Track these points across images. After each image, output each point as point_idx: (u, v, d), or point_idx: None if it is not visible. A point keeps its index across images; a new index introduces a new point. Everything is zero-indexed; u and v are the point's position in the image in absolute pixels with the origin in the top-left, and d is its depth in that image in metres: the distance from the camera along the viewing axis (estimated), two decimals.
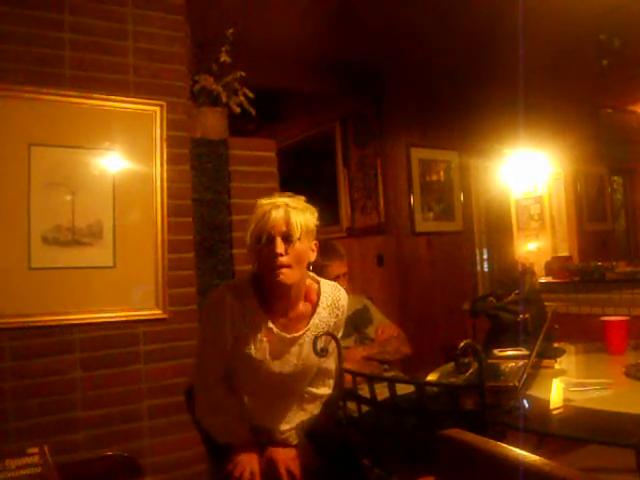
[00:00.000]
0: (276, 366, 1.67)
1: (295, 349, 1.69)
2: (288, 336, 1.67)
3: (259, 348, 1.64)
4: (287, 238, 1.56)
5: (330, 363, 1.81)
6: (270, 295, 1.66)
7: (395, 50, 4.07)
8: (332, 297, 1.74)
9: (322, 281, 1.78)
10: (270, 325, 1.65)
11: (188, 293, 2.57)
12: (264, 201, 1.60)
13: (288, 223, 1.55)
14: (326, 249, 2.74)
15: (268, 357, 1.66)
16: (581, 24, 3.54)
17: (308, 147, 5.30)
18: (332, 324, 1.74)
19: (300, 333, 1.69)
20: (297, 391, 1.79)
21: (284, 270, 1.56)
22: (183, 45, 2.66)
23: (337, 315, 1.74)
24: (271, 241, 1.55)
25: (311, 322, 1.70)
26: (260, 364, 1.65)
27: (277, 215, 1.55)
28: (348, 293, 2.73)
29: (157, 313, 2.49)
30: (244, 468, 1.67)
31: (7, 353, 2.21)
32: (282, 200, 1.59)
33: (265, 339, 1.64)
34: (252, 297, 1.64)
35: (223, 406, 1.70)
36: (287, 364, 1.69)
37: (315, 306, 1.72)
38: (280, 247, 1.55)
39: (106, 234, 2.42)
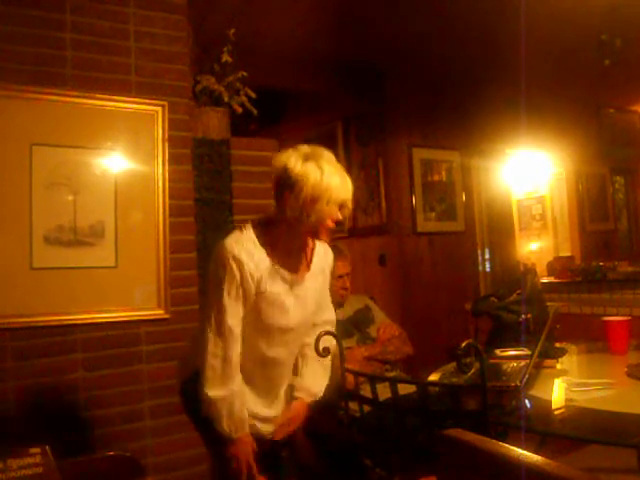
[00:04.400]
0: (290, 306, 1.74)
1: (301, 292, 1.77)
2: (297, 279, 1.76)
3: (274, 289, 1.70)
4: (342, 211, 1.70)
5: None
6: (283, 244, 1.73)
7: (397, 50, 4.07)
8: (323, 247, 1.88)
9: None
10: (281, 270, 1.71)
11: (190, 293, 2.57)
12: (338, 166, 1.70)
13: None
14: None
15: (283, 298, 1.72)
16: (583, 24, 3.54)
17: None
18: (325, 267, 1.88)
19: (305, 276, 1.78)
20: (297, 342, 1.86)
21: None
22: (185, 45, 2.66)
23: (327, 261, 1.89)
24: (342, 207, 1.68)
25: (311, 267, 1.81)
26: (277, 304, 1.71)
27: (352, 190, 1.71)
28: (350, 293, 2.75)
29: (159, 313, 2.49)
30: (240, 461, 1.70)
31: (9, 353, 2.21)
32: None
33: (280, 281, 1.71)
34: (259, 247, 1.69)
35: (234, 372, 1.69)
36: (295, 307, 1.76)
37: (313, 254, 1.84)
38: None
39: (108, 234, 2.42)
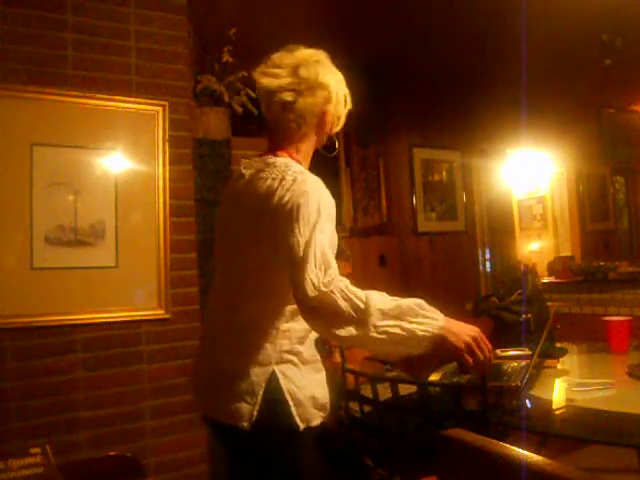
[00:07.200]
0: None
1: None
2: None
3: None
4: None
5: None
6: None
7: (398, 50, 4.07)
8: None
9: None
10: None
11: (190, 293, 2.57)
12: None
13: None
14: None
15: None
16: (583, 24, 3.54)
17: None
18: None
19: None
20: None
21: None
22: (185, 45, 2.66)
23: None
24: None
25: None
26: None
27: None
28: None
29: (159, 313, 2.49)
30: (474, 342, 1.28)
31: (9, 353, 2.21)
32: None
33: None
34: None
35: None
36: None
37: None
38: None
39: (108, 234, 2.42)
